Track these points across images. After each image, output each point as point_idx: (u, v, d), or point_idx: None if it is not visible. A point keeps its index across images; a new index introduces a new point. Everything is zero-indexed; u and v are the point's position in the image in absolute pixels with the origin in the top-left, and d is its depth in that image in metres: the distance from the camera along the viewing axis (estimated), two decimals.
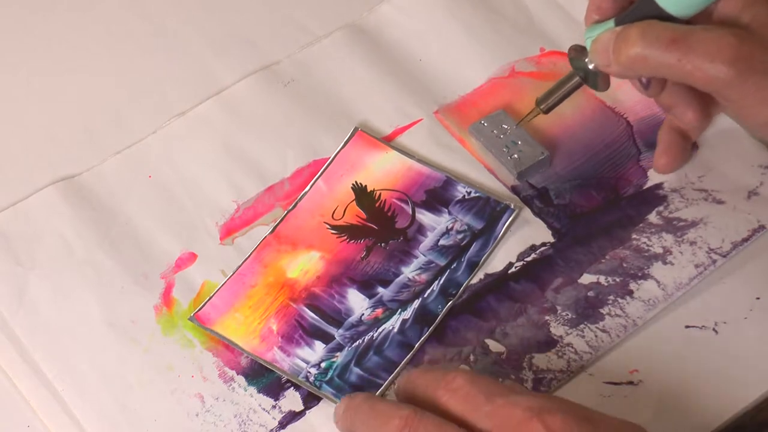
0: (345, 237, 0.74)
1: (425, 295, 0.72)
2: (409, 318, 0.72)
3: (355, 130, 0.78)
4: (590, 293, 0.72)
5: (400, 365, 0.70)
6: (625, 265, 0.73)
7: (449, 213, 0.75)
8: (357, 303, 0.72)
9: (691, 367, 0.69)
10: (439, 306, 0.72)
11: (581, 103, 0.79)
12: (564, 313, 0.71)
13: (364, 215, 0.75)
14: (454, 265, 0.73)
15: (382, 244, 0.74)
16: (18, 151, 0.78)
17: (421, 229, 0.74)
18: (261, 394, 0.69)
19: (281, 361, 0.70)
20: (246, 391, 0.69)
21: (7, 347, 0.70)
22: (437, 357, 0.70)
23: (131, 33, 0.84)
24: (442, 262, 0.73)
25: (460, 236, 0.74)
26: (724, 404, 0.68)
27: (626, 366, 0.69)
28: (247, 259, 0.73)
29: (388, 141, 0.79)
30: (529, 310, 0.72)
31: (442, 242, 0.74)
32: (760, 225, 0.73)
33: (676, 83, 0.70)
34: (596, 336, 0.70)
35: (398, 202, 0.75)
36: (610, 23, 0.68)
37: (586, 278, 0.72)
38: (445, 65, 0.82)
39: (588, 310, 0.71)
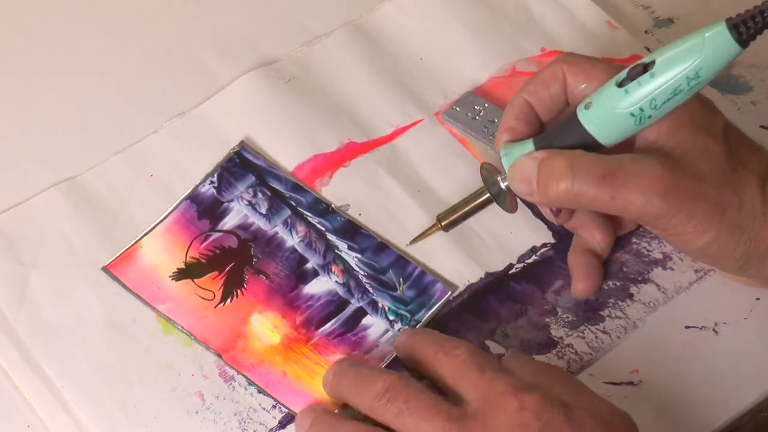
0: (222, 283, 0.72)
1: (325, 231, 0.74)
2: (344, 242, 0.73)
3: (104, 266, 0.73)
4: (591, 296, 0.72)
5: (399, 252, 0.73)
6: (625, 269, 0.73)
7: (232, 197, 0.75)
8: (324, 285, 0.72)
9: (691, 367, 0.69)
10: (338, 217, 0.74)
11: None
12: (564, 316, 0.71)
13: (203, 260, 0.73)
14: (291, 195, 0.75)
15: (254, 261, 0.73)
16: (18, 151, 0.78)
17: (245, 225, 0.74)
18: (261, 394, 0.69)
19: (382, 350, 0.70)
20: (246, 390, 0.69)
21: (8, 347, 0.70)
22: None
23: (131, 33, 0.84)
24: (287, 212, 0.74)
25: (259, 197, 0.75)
26: (724, 404, 0.68)
27: (626, 366, 0.69)
28: (251, 381, 0.70)
29: (388, 141, 0.79)
30: (530, 311, 0.72)
31: (261, 209, 0.74)
32: None
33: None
34: (596, 337, 0.71)
35: (205, 249, 0.73)
36: (528, 144, 0.67)
37: None
38: (446, 65, 0.82)
39: (588, 312, 0.71)
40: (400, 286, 0.72)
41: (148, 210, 0.75)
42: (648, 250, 0.73)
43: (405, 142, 0.79)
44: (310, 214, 0.75)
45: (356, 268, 0.73)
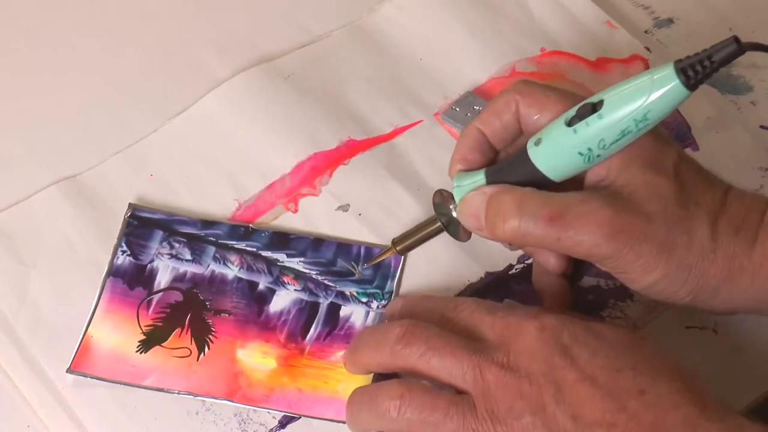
0: (190, 337, 0.70)
1: (257, 251, 0.73)
2: (281, 253, 0.73)
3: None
4: (590, 296, 0.72)
5: (338, 240, 0.74)
6: None
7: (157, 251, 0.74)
8: (286, 298, 0.72)
9: (691, 367, 0.69)
10: (262, 233, 0.74)
11: None
12: None
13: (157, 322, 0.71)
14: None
15: (207, 304, 0.72)
16: (18, 151, 0.78)
17: (180, 277, 0.72)
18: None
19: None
20: None
21: (8, 347, 0.70)
22: None
23: (131, 33, 0.84)
24: (212, 249, 0.73)
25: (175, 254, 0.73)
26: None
27: None
28: (275, 410, 0.69)
29: (388, 139, 0.79)
30: None
31: (185, 257, 0.73)
32: None
33: None
34: None
35: (154, 313, 0.71)
36: (480, 175, 0.67)
37: (586, 281, 0.72)
38: (446, 65, 0.82)
39: (588, 313, 0.71)
40: (355, 269, 0.72)
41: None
42: None
43: (405, 141, 0.79)
44: (233, 242, 0.74)
45: (306, 271, 0.73)
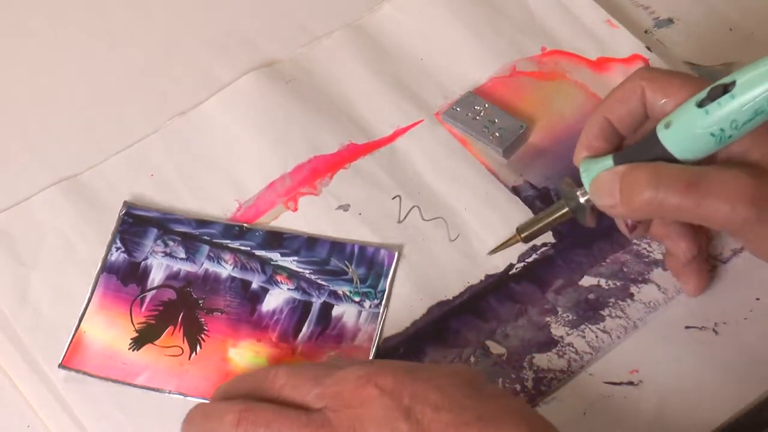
0: (182, 335, 0.70)
1: (251, 250, 0.73)
2: (275, 252, 0.73)
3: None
4: (591, 295, 0.72)
5: (331, 239, 0.74)
6: (625, 269, 0.73)
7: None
8: (279, 297, 0.72)
9: (691, 367, 0.69)
10: (256, 233, 0.74)
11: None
12: (565, 315, 0.71)
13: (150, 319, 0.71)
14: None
15: (200, 303, 0.72)
16: (19, 151, 0.78)
17: (174, 275, 0.73)
18: None
19: (366, 331, 0.71)
20: None
21: (8, 347, 0.70)
22: (438, 358, 0.70)
23: (131, 33, 0.84)
24: (206, 248, 0.73)
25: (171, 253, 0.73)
26: (724, 404, 0.68)
27: (626, 366, 0.69)
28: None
29: (388, 142, 0.79)
30: (530, 311, 0.72)
31: (179, 255, 0.73)
32: None
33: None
34: (597, 336, 0.70)
35: (147, 311, 0.71)
36: (608, 160, 0.67)
37: (587, 280, 0.72)
38: (447, 65, 0.82)
39: (589, 312, 0.71)
40: (348, 268, 0.72)
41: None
42: (648, 251, 0.73)
43: (405, 142, 0.79)
44: (228, 241, 0.74)
45: (300, 270, 0.73)
